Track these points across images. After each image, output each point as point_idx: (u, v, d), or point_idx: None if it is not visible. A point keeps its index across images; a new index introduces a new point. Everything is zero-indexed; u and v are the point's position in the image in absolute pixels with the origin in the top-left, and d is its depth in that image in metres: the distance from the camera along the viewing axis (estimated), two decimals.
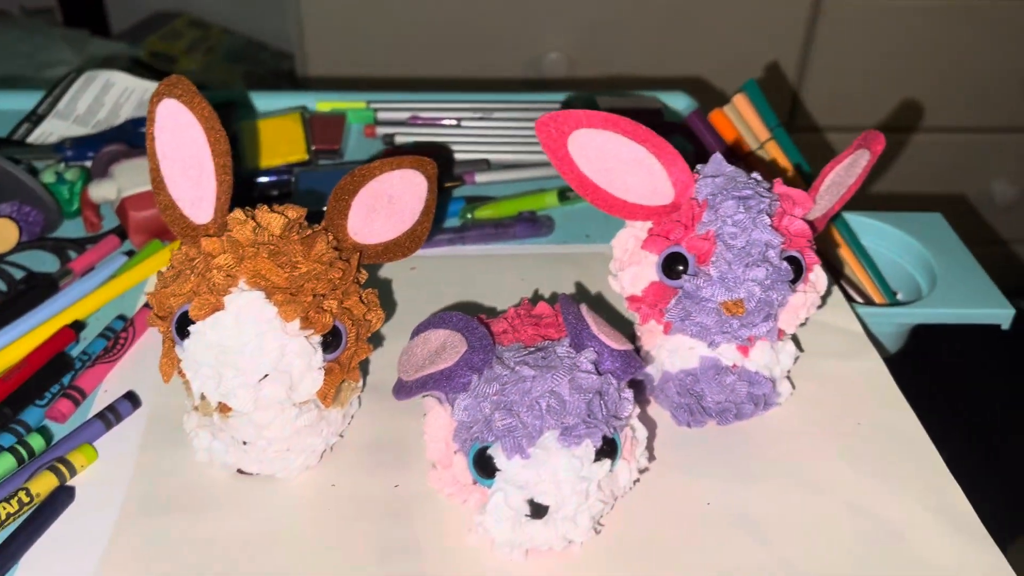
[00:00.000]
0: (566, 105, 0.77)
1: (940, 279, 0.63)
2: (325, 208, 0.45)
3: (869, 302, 0.65)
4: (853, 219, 0.69)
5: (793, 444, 0.48)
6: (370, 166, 0.45)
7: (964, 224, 0.70)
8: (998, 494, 1.01)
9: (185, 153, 0.42)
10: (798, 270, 0.45)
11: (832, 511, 0.44)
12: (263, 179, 0.67)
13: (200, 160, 0.42)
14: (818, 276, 0.46)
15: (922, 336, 0.67)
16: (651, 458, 0.46)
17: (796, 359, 0.50)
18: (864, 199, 0.71)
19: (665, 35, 1.21)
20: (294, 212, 0.43)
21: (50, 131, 0.71)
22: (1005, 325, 0.61)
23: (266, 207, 0.42)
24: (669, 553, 0.42)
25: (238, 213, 0.42)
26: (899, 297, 0.68)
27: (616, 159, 0.45)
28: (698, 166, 0.47)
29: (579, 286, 0.59)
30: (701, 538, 0.43)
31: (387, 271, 0.60)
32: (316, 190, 0.64)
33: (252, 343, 0.39)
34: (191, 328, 0.40)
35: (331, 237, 0.43)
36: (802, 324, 0.48)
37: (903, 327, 0.64)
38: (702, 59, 1.23)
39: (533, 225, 0.63)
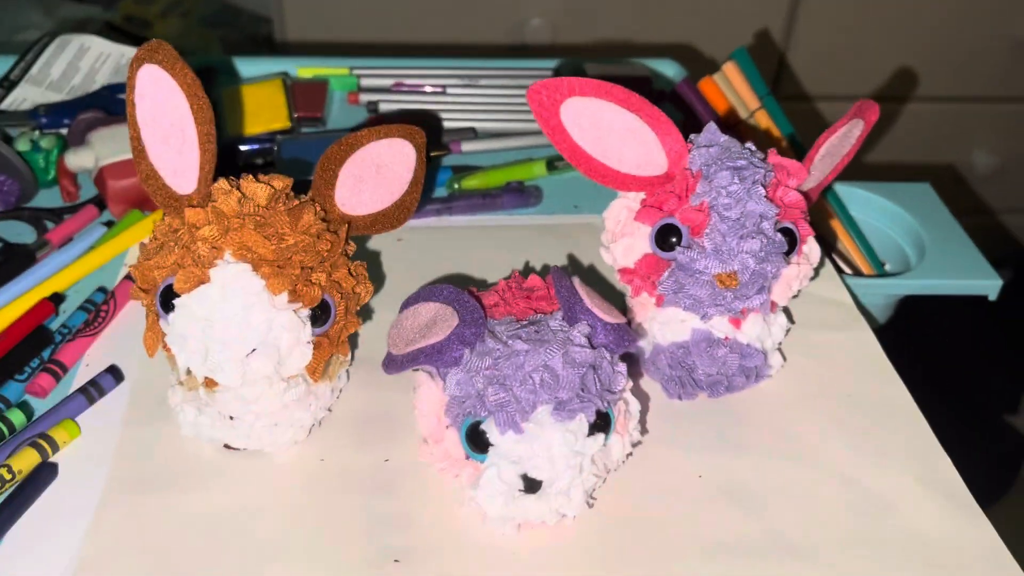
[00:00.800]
0: (556, 73, 0.76)
1: (928, 250, 0.63)
2: (311, 178, 0.44)
3: (857, 273, 0.65)
4: (841, 189, 0.69)
5: (784, 416, 0.48)
6: (357, 135, 0.44)
7: (949, 193, 0.70)
8: (982, 461, 1.02)
9: (167, 121, 0.41)
10: (792, 242, 0.44)
11: (822, 482, 0.44)
12: (245, 147, 0.65)
13: (182, 128, 0.41)
14: (811, 248, 0.46)
15: (910, 306, 0.67)
16: (643, 431, 0.45)
17: (787, 331, 0.50)
18: (848, 168, 0.71)
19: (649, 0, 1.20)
20: (280, 182, 0.42)
21: (23, 97, 0.69)
22: (992, 296, 0.61)
23: (251, 177, 0.41)
24: (661, 525, 0.42)
25: (223, 183, 0.41)
26: (887, 268, 0.67)
27: (609, 128, 0.44)
28: (692, 136, 0.46)
29: (569, 257, 0.58)
30: (693, 510, 0.43)
31: (374, 243, 0.59)
32: (299, 158, 0.63)
33: (239, 317, 0.38)
34: (176, 301, 0.39)
35: (319, 208, 0.42)
36: (795, 296, 0.47)
37: (891, 298, 0.64)
38: (687, 24, 1.21)
39: (521, 195, 0.63)
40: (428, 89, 0.73)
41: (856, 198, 0.69)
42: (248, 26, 1.55)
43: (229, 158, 0.64)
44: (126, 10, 1.53)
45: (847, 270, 0.65)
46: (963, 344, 1.11)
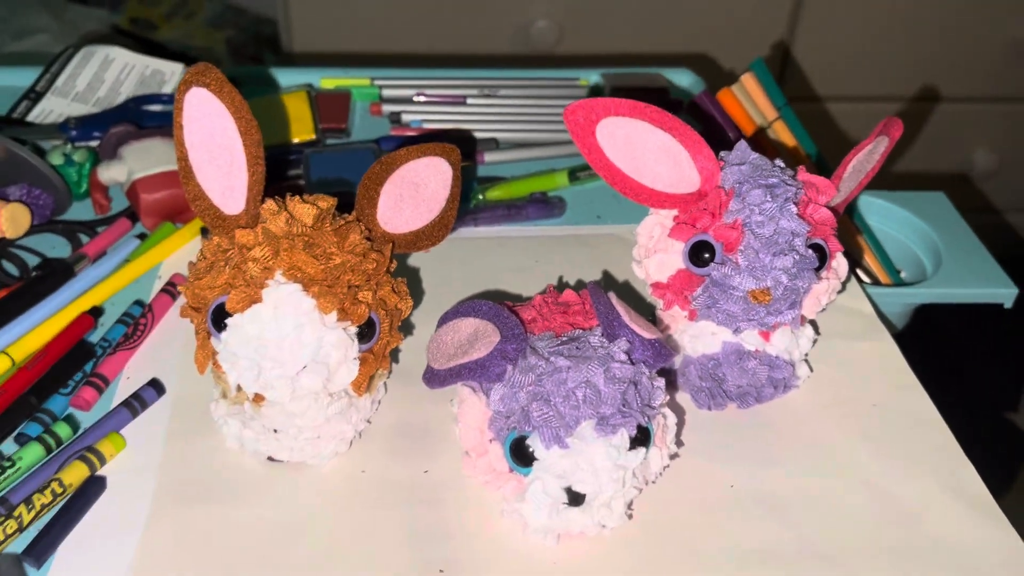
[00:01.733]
0: (593, 93, 0.77)
1: (944, 258, 0.64)
2: (340, 190, 0.44)
3: (875, 282, 0.66)
4: (858, 198, 0.70)
5: (811, 426, 0.49)
6: (395, 154, 0.45)
7: (951, 192, 0.71)
8: (999, 467, 1.04)
9: (214, 143, 0.42)
10: (822, 258, 0.45)
11: (850, 490, 0.46)
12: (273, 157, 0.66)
13: (230, 149, 0.42)
14: (840, 263, 0.47)
15: (925, 314, 0.68)
16: (680, 444, 0.46)
17: (814, 342, 0.51)
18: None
19: (655, 2, 1.21)
20: (325, 202, 0.43)
21: (50, 109, 0.70)
22: (1008, 304, 0.62)
23: (298, 198, 0.42)
24: (694, 534, 0.43)
25: (271, 204, 0.42)
26: (903, 276, 0.69)
27: (643, 147, 0.45)
28: (722, 153, 0.47)
29: (599, 269, 0.59)
30: (725, 520, 0.44)
31: (402, 254, 0.60)
32: (327, 173, 0.64)
33: (291, 335, 0.39)
34: (228, 321, 0.40)
35: (363, 227, 0.43)
36: (822, 310, 0.49)
37: (908, 306, 0.65)
38: (692, 27, 1.22)
39: (545, 206, 0.64)
40: (449, 99, 0.74)
41: (871, 207, 0.70)
42: (252, 27, 1.56)
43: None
44: (132, 12, 1.53)
45: (865, 279, 0.66)
46: (978, 353, 1.12)
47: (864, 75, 1.30)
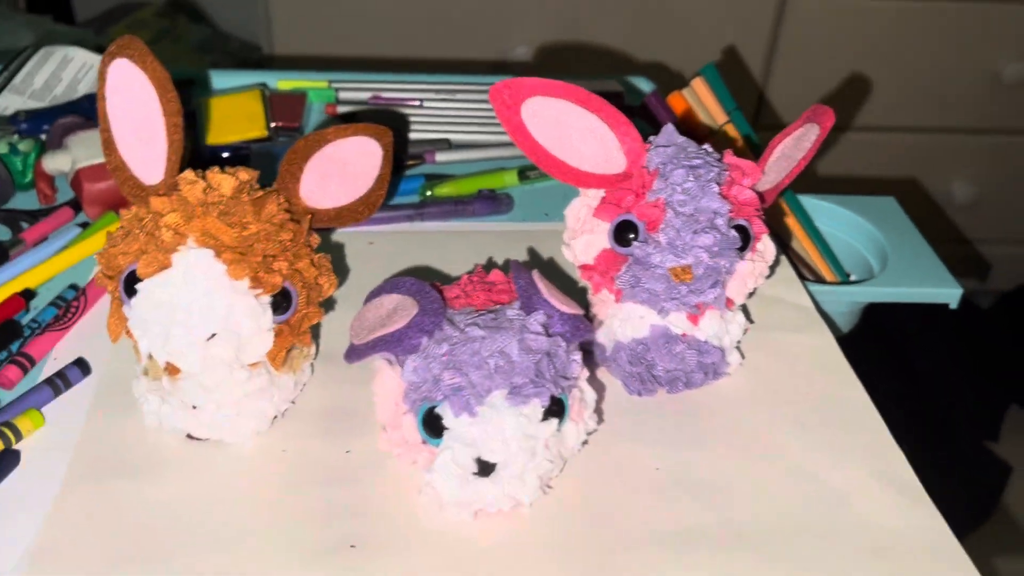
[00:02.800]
0: None
1: (891, 260, 0.65)
2: None
3: (822, 281, 0.66)
4: (809, 201, 0.70)
5: (741, 412, 0.49)
6: (324, 131, 0.45)
7: (927, 220, 0.72)
8: (949, 467, 1.03)
9: (137, 114, 0.42)
10: (746, 238, 0.45)
11: (778, 475, 0.45)
12: (220, 154, 0.66)
13: (152, 121, 0.42)
14: (766, 246, 0.47)
15: (873, 316, 0.68)
16: (600, 420, 0.46)
17: (746, 330, 0.51)
18: (823, 186, 0.73)
19: (633, 31, 1.22)
20: (246, 174, 0.43)
21: (5, 105, 0.70)
22: (953, 304, 0.62)
23: (217, 168, 0.42)
24: (617, 515, 0.42)
25: (189, 174, 0.42)
26: (852, 278, 0.69)
27: (569, 127, 0.45)
28: (650, 137, 0.47)
29: (535, 257, 0.59)
30: (649, 501, 0.43)
31: (344, 244, 0.60)
32: (273, 165, 0.64)
33: (200, 301, 0.39)
34: (139, 286, 0.40)
35: (282, 199, 0.43)
36: (751, 294, 0.48)
37: (855, 305, 0.65)
38: (670, 56, 1.24)
39: (492, 202, 0.64)
40: (406, 102, 0.75)
41: (822, 210, 0.70)
42: (238, 52, 1.58)
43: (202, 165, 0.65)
44: (117, 35, 1.55)
45: (811, 278, 0.66)
46: (924, 352, 1.13)
47: (843, 106, 1.31)
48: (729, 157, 0.47)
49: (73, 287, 0.54)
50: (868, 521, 0.43)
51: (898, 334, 1.08)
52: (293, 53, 1.25)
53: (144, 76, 0.42)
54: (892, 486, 0.45)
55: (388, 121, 0.70)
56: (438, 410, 0.39)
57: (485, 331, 0.40)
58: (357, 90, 0.76)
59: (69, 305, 0.52)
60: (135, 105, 0.42)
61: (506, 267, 0.58)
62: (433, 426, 0.39)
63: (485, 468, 0.39)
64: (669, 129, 0.47)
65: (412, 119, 0.73)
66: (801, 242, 0.66)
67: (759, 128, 1.32)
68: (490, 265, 0.58)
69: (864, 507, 0.44)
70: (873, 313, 0.68)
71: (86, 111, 0.67)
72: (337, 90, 0.76)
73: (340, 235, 0.61)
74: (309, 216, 0.44)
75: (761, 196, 0.47)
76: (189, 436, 0.45)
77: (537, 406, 0.39)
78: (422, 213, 0.63)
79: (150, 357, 0.41)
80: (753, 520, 0.43)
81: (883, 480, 0.45)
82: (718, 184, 0.45)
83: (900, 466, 0.46)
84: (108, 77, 0.42)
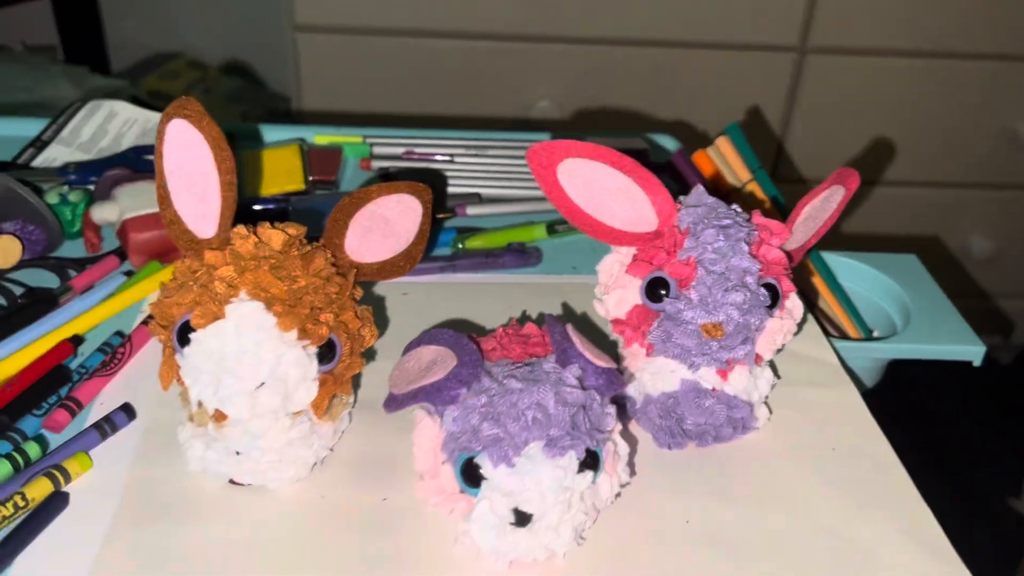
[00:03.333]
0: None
1: (914, 317, 0.66)
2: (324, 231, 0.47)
3: (846, 337, 0.67)
4: (832, 258, 0.71)
5: (769, 467, 0.50)
6: (368, 189, 0.47)
7: (945, 276, 0.73)
8: (972, 523, 1.02)
9: (192, 170, 0.44)
10: (775, 296, 0.47)
11: (805, 530, 0.46)
12: (260, 207, 0.69)
13: (206, 177, 0.44)
14: (794, 304, 0.48)
15: (897, 372, 0.69)
16: (632, 473, 0.47)
17: (773, 386, 0.52)
18: (845, 243, 0.74)
19: (653, 87, 1.25)
20: (294, 229, 0.45)
21: (54, 157, 0.73)
22: (976, 362, 0.63)
23: (268, 224, 0.44)
24: (648, 567, 0.43)
25: (241, 229, 0.44)
26: (875, 334, 0.70)
27: (602, 188, 0.47)
28: (681, 197, 0.49)
29: (566, 310, 0.61)
30: (679, 553, 0.44)
31: (381, 296, 0.61)
32: (312, 215, 0.66)
33: (250, 351, 0.41)
34: (192, 336, 0.41)
35: (329, 253, 0.45)
36: (779, 350, 0.50)
37: (878, 362, 0.66)
38: (690, 112, 1.27)
39: (522, 255, 0.65)
40: (437, 157, 0.77)
41: (845, 267, 0.71)
42: (268, 103, 1.62)
43: (244, 217, 0.68)
44: (151, 85, 1.60)
45: (835, 334, 0.67)
46: (948, 409, 1.13)
47: (861, 162, 1.33)
48: (757, 217, 0.48)
49: (119, 334, 0.56)
50: None
51: (921, 389, 1.08)
52: (322, 106, 1.29)
53: (200, 135, 0.44)
54: (919, 543, 0.45)
55: (423, 176, 0.73)
56: (476, 460, 0.40)
57: (522, 383, 0.41)
58: (391, 145, 0.78)
59: (115, 351, 0.53)
60: (191, 163, 0.44)
61: (538, 320, 0.59)
62: (471, 476, 0.41)
63: (522, 518, 0.40)
64: (699, 190, 0.48)
65: (444, 174, 0.75)
66: (825, 299, 0.67)
67: (777, 182, 1.34)
68: (523, 318, 0.60)
69: (891, 564, 0.44)
70: (896, 368, 0.69)
71: (132, 163, 0.69)
72: (372, 145, 0.78)
73: (377, 287, 0.62)
74: (354, 270, 0.46)
75: (789, 255, 0.49)
76: (231, 481, 0.46)
77: (573, 458, 0.40)
78: (454, 265, 0.64)
79: (199, 404, 0.43)
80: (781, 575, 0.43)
81: (910, 537, 0.46)
82: (748, 244, 0.46)
83: (927, 522, 0.47)
84: (166, 136, 0.44)
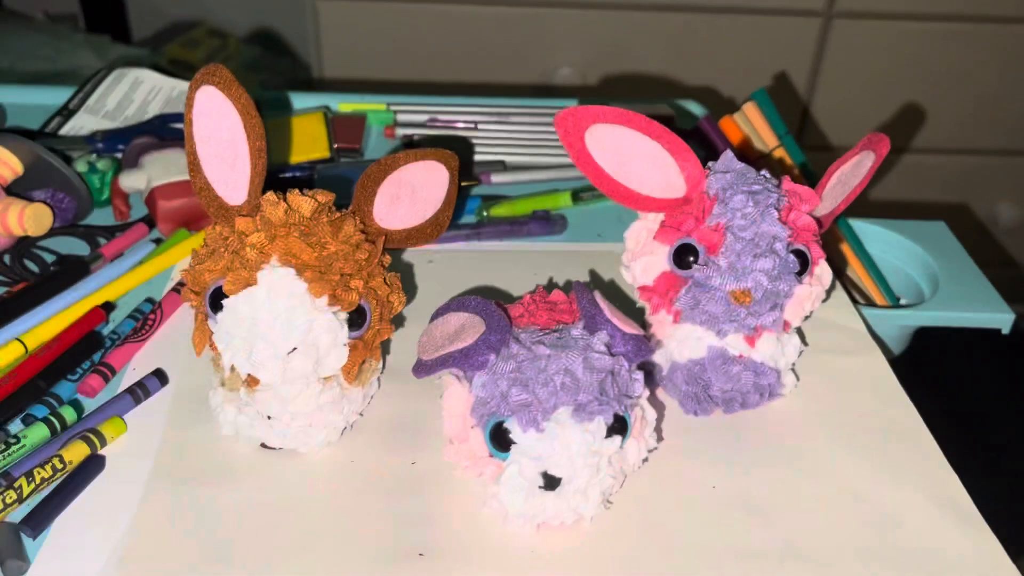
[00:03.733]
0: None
1: (942, 284, 0.65)
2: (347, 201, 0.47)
3: (873, 304, 0.67)
4: (859, 225, 0.71)
5: (796, 433, 0.50)
6: (395, 156, 0.47)
7: (974, 243, 0.72)
8: (1000, 491, 1.02)
9: (221, 137, 0.44)
10: (804, 263, 0.46)
11: (833, 496, 0.46)
12: (286, 174, 0.69)
13: (235, 144, 0.44)
14: (823, 270, 0.48)
15: (924, 339, 0.68)
16: (659, 439, 0.47)
17: (801, 353, 0.52)
18: (873, 210, 0.73)
19: (676, 53, 1.24)
20: (323, 196, 0.45)
21: (80, 125, 0.73)
22: (1005, 329, 0.63)
23: (297, 191, 0.44)
24: (674, 531, 0.44)
25: (271, 196, 0.44)
26: (903, 301, 0.69)
27: (631, 153, 0.47)
28: (709, 163, 0.49)
29: (591, 278, 0.61)
30: (706, 519, 0.44)
31: (407, 264, 0.62)
32: (337, 183, 0.66)
33: (282, 317, 0.41)
34: (224, 302, 0.42)
35: (358, 220, 0.45)
36: (807, 317, 0.49)
37: (905, 329, 0.66)
38: (714, 78, 1.25)
39: (547, 223, 0.65)
40: (460, 124, 0.77)
41: (873, 234, 0.71)
42: (288, 71, 1.62)
43: (273, 184, 0.68)
44: (172, 54, 1.60)
45: (862, 301, 0.67)
46: (976, 377, 1.12)
47: (888, 128, 1.32)
48: (787, 183, 0.48)
49: (149, 300, 0.57)
50: (923, 544, 0.44)
51: (948, 357, 1.07)
52: (342, 73, 1.28)
53: (229, 103, 0.44)
54: (947, 508, 0.46)
55: (449, 143, 0.73)
56: (506, 425, 0.41)
57: (551, 349, 0.41)
58: (414, 112, 0.78)
59: (146, 318, 0.54)
60: (220, 130, 0.44)
61: (565, 287, 0.59)
62: (501, 440, 0.41)
63: (551, 482, 0.40)
64: (728, 155, 0.48)
65: (470, 142, 0.75)
66: (853, 266, 0.67)
67: (804, 147, 1.33)
68: (549, 285, 0.60)
69: (919, 529, 0.44)
70: (924, 336, 0.68)
71: (159, 131, 0.69)
72: (395, 112, 0.78)
73: (404, 254, 0.63)
74: (383, 237, 0.46)
75: (819, 221, 0.48)
76: (263, 445, 0.47)
77: (601, 423, 0.40)
78: (479, 233, 0.65)
79: (231, 369, 0.43)
80: (808, 540, 0.44)
81: (938, 502, 0.46)
82: (777, 210, 0.46)
83: (954, 488, 0.47)
84: (196, 103, 0.44)
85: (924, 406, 0.52)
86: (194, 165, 0.45)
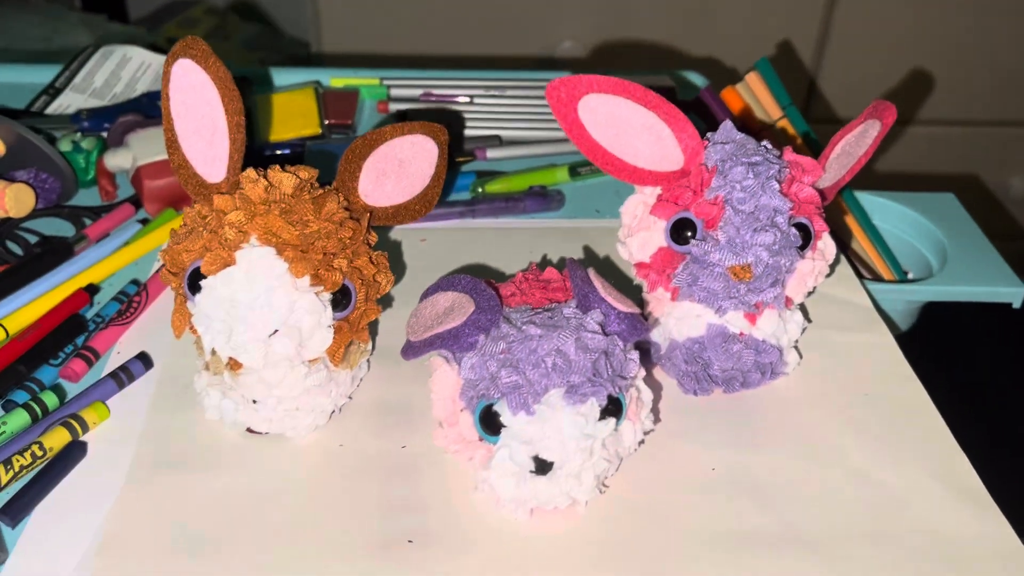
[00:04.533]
0: None
1: (951, 258, 0.63)
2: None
3: (879, 279, 0.65)
4: (865, 198, 0.69)
5: (799, 413, 0.48)
6: (381, 130, 0.46)
7: (984, 216, 0.70)
8: (1009, 470, 1.01)
9: (199, 112, 0.43)
10: (806, 237, 0.45)
11: (837, 477, 0.44)
12: (275, 152, 0.67)
13: (214, 119, 0.43)
14: (826, 244, 0.46)
15: (933, 314, 0.67)
16: (656, 420, 0.46)
17: (804, 330, 0.50)
18: (880, 182, 0.71)
19: (681, 23, 1.21)
20: (306, 172, 0.43)
21: (67, 104, 0.72)
22: (1016, 303, 0.61)
23: (278, 167, 0.43)
24: (673, 515, 0.42)
25: (250, 172, 0.42)
26: (910, 276, 0.67)
27: (626, 124, 0.45)
28: (708, 133, 0.47)
29: (588, 254, 0.59)
30: (705, 502, 0.43)
31: (399, 242, 0.60)
32: (327, 161, 0.65)
33: (262, 298, 0.40)
34: (203, 283, 0.40)
35: (342, 197, 0.44)
36: (810, 293, 0.48)
37: (913, 304, 0.64)
38: (719, 49, 1.23)
39: (543, 199, 0.64)
40: (457, 99, 0.75)
41: (879, 207, 0.69)
42: (287, 49, 1.60)
43: (258, 162, 0.66)
44: (169, 33, 1.58)
45: (868, 276, 0.65)
46: (986, 353, 1.10)
47: (897, 98, 1.29)
48: (789, 154, 0.46)
49: (135, 282, 0.55)
50: (931, 526, 0.42)
51: (957, 332, 1.06)
52: (341, 50, 1.26)
53: (207, 76, 0.43)
54: (955, 489, 0.44)
55: (441, 118, 0.71)
56: (495, 408, 0.39)
57: (542, 329, 0.40)
58: (408, 87, 0.76)
59: (131, 300, 0.53)
60: (198, 104, 0.43)
61: (559, 264, 0.57)
62: (490, 423, 0.40)
63: (542, 467, 0.39)
64: (727, 126, 0.46)
65: (463, 116, 0.73)
66: (859, 240, 0.65)
67: (810, 120, 1.30)
68: (543, 262, 0.58)
69: (926, 511, 0.43)
70: (932, 311, 0.66)
71: (145, 109, 0.68)
72: (389, 87, 0.76)
73: (394, 233, 0.61)
74: (367, 214, 0.45)
75: (822, 193, 0.47)
76: (249, 430, 0.46)
77: (594, 405, 0.39)
78: (474, 210, 0.63)
79: (213, 352, 0.42)
80: (811, 523, 0.42)
81: (945, 483, 0.44)
82: (778, 181, 0.44)
83: (963, 469, 0.45)
84: (172, 77, 0.43)
85: (932, 384, 0.50)
86: (171, 142, 0.43)
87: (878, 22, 1.22)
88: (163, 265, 0.54)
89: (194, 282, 0.41)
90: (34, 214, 0.60)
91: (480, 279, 0.44)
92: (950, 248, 0.64)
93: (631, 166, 0.46)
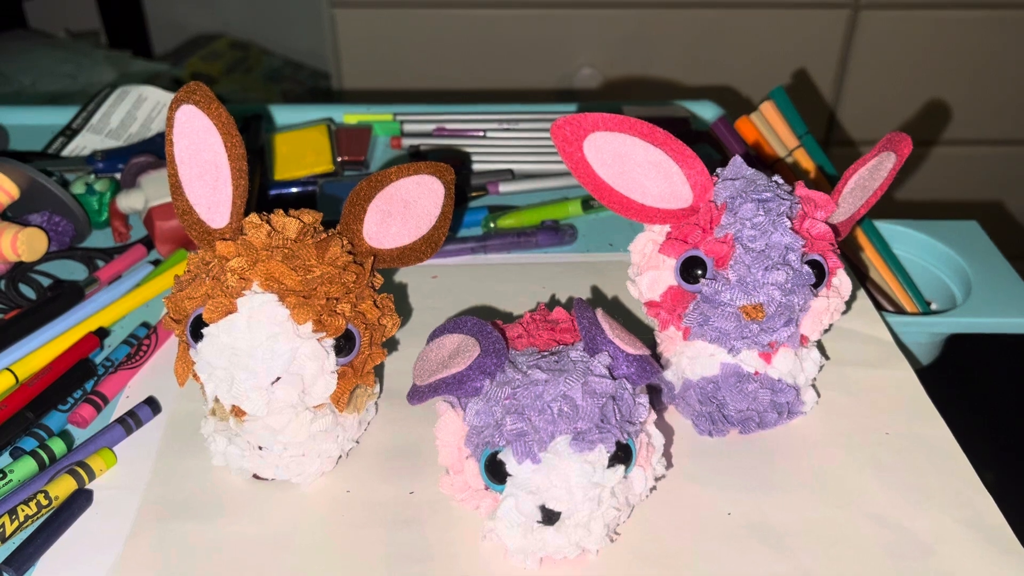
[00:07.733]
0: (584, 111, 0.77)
1: (975, 288, 0.62)
2: None
3: (901, 311, 0.63)
4: (886, 227, 0.67)
5: (818, 454, 0.47)
6: (386, 171, 0.45)
7: (1009, 243, 0.69)
8: None
9: (202, 158, 0.43)
10: (820, 274, 0.44)
11: (857, 523, 0.43)
12: (288, 190, 0.67)
13: (217, 165, 0.43)
14: (842, 280, 0.45)
15: (957, 347, 0.65)
16: (668, 465, 0.45)
17: (821, 367, 0.49)
18: (900, 211, 0.70)
19: (700, 51, 1.21)
20: (310, 216, 0.43)
21: (84, 145, 0.72)
22: None
23: (281, 211, 0.42)
24: (686, 563, 0.41)
25: (254, 217, 0.42)
26: (933, 307, 0.66)
27: (633, 162, 0.44)
28: (718, 169, 0.46)
29: (599, 293, 0.58)
30: (720, 548, 0.42)
31: (409, 280, 0.60)
32: (340, 199, 0.64)
33: (264, 345, 0.39)
34: (204, 331, 0.40)
35: (345, 241, 0.43)
36: (826, 330, 0.47)
37: (937, 337, 0.62)
38: (735, 78, 1.22)
39: (555, 234, 0.63)
40: (469, 133, 0.74)
41: (901, 236, 0.68)
42: (308, 81, 1.61)
43: (271, 200, 0.66)
44: (193, 67, 1.60)
45: (889, 309, 0.63)
46: (1013, 386, 1.07)
47: (919, 123, 1.27)
48: (801, 189, 0.45)
49: (145, 325, 0.55)
50: (956, 573, 0.41)
51: (982, 366, 1.03)
52: (360, 84, 1.27)
53: (209, 121, 0.42)
54: (981, 534, 0.42)
55: (454, 155, 0.71)
56: (501, 456, 0.38)
57: (548, 374, 0.39)
58: (421, 122, 0.76)
59: (141, 343, 0.53)
60: (201, 150, 0.43)
61: (570, 303, 0.57)
62: (496, 472, 0.39)
63: (550, 516, 0.38)
64: (737, 161, 0.45)
65: (475, 150, 0.73)
66: (879, 271, 0.64)
67: (831, 145, 1.29)
68: (553, 301, 0.57)
69: (951, 558, 0.41)
70: (956, 344, 0.65)
71: (159, 150, 0.68)
72: (402, 123, 0.76)
73: (404, 270, 0.61)
74: (372, 257, 0.44)
75: (835, 229, 0.45)
76: (255, 476, 0.45)
77: (602, 452, 0.38)
78: (485, 245, 0.62)
79: (216, 400, 0.42)
80: (830, 570, 0.41)
81: (971, 528, 0.43)
82: (789, 218, 0.43)
83: (989, 512, 0.44)
84: (175, 122, 0.43)
85: (956, 421, 0.49)
86: (176, 187, 0.43)
87: (900, 44, 1.21)
88: (166, 312, 0.54)
89: (196, 330, 0.40)
90: (47, 256, 0.60)
91: (487, 321, 0.43)
92: (974, 278, 0.63)
93: (639, 204, 0.45)
